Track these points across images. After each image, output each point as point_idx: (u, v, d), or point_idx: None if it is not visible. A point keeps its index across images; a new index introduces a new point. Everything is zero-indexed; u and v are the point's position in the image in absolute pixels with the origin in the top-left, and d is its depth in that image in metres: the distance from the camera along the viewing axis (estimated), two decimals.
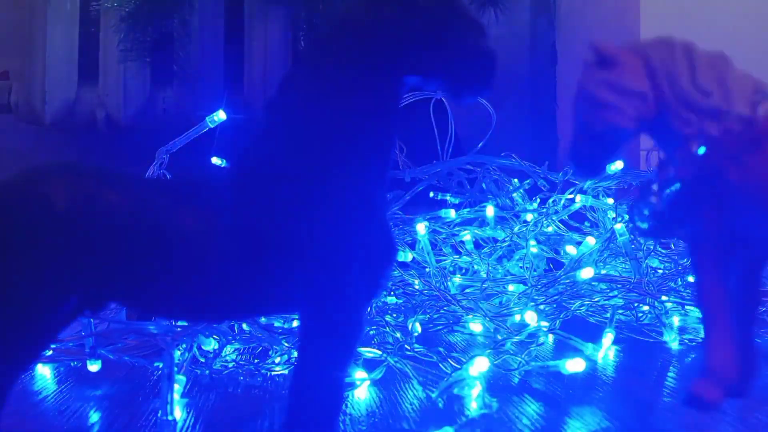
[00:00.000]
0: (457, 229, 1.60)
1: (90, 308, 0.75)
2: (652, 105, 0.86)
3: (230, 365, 1.17)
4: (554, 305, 1.43)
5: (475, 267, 1.58)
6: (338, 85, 0.70)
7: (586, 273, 1.42)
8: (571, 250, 1.56)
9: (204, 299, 0.73)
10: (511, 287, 1.51)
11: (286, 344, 1.19)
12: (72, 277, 0.70)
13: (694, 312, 1.38)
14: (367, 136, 0.71)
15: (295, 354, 1.13)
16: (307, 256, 0.70)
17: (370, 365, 1.13)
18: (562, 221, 1.61)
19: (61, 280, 0.69)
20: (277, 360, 1.17)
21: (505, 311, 1.40)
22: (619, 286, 1.46)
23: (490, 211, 1.59)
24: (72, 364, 1.21)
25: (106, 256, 0.69)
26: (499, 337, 1.30)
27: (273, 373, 1.15)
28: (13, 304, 0.68)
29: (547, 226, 1.59)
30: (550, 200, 1.60)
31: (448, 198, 1.64)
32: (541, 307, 1.42)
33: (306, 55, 0.75)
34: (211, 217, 0.70)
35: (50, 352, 1.15)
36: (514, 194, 1.64)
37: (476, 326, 1.37)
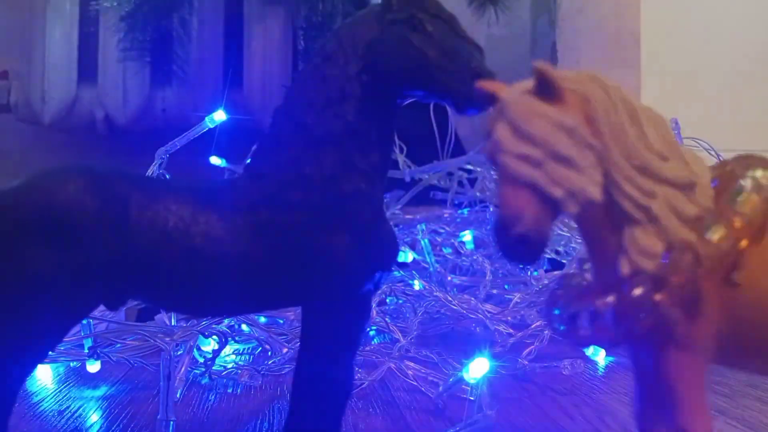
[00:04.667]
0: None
1: (108, 305, 0.77)
2: (601, 166, 0.57)
3: (230, 366, 1.17)
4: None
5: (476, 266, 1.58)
6: (345, 95, 0.75)
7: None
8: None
9: (222, 296, 0.76)
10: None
11: (285, 346, 1.20)
12: (98, 277, 0.71)
13: None
14: (372, 141, 0.76)
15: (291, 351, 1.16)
16: (322, 254, 0.74)
17: (370, 365, 1.13)
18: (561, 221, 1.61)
19: (87, 280, 0.71)
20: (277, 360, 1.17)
21: (506, 311, 1.40)
22: None
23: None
24: (72, 364, 1.21)
25: (133, 257, 0.72)
26: (499, 338, 1.30)
27: (273, 373, 1.15)
28: (38, 305, 0.69)
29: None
30: None
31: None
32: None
33: (313, 65, 0.78)
34: (230, 219, 0.74)
35: (50, 353, 1.15)
36: None
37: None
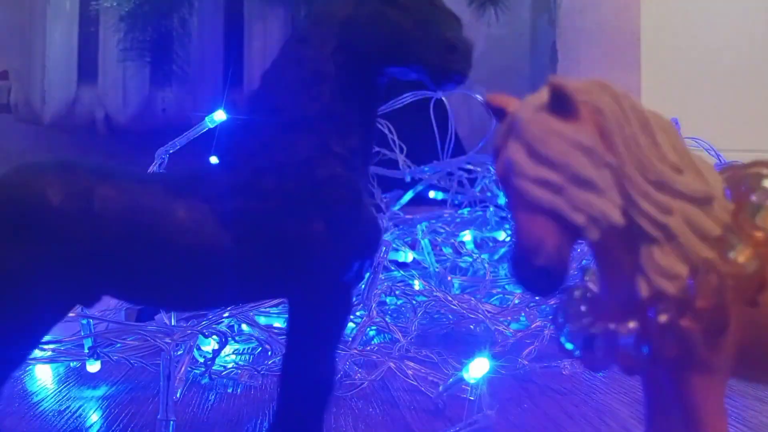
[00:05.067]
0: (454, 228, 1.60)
1: (83, 302, 0.76)
2: (618, 184, 0.54)
3: (230, 366, 1.17)
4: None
5: (476, 266, 1.58)
6: (321, 76, 0.72)
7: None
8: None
9: (198, 290, 0.75)
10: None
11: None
12: (67, 272, 0.70)
13: None
14: (351, 124, 0.74)
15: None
16: (299, 243, 0.72)
17: (370, 365, 1.13)
18: None
19: (57, 275, 0.70)
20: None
21: (506, 311, 1.40)
22: None
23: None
24: (72, 364, 1.21)
25: (101, 251, 0.70)
26: (499, 338, 1.30)
27: (273, 373, 1.15)
28: (7, 301, 0.69)
29: None
30: None
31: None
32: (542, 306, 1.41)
33: (288, 47, 0.76)
34: (204, 209, 0.72)
35: (50, 353, 1.15)
36: None
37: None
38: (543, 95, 0.55)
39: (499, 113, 0.58)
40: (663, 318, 0.55)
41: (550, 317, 0.60)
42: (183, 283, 0.73)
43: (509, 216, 0.58)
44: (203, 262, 0.72)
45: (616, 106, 0.55)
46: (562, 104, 0.53)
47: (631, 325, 0.56)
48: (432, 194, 1.66)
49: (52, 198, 0.69)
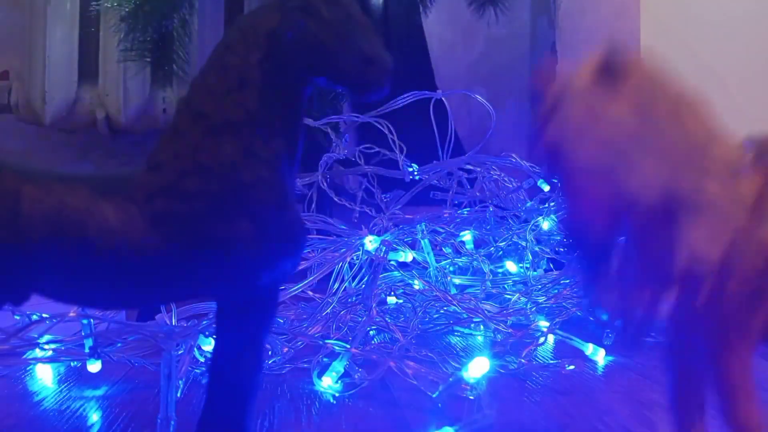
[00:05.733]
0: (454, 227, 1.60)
1: (11, 301, 0.77)
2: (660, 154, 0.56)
3: None
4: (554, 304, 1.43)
5: (475, 266, 1.58)
6: (245, 83, 0.75)
7: None
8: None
9: (126, 289, 0.76)
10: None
11: (286, 346, 1.20)
12: None
13: None
14: (275, 128, 0.76)
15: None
16: (222, 244, 0.74)
17: (370, 365, 1.13)
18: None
19: None
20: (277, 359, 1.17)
21: (505, 311, 1.40)
22: None
23: (511, 266, 1.59)
24: (72, 364, 1.21)
25: (29, 250, 0.72)
26: (499, 338, 1.30)
27: (273, 372, 1.15)
28: None
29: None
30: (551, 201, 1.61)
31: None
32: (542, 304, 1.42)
33: (216, 54, 0.78)
34: (131, 209, 0.74)
35: (51, 352, 1.15)
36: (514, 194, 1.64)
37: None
38: (590, 65, 0.56)
39: (542, 91, 0.59)
40: (704, 288, 0.56)
41: (582, 290, 0.60)
42: (110, 283, 0.75)
43: (559, 189, 0.58)
44: (130, 261, 0.73)
45: (658, 75, 0.58)
46: (612, 75, 0.55)
47: (670, 300, 0.57)
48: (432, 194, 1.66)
49: None
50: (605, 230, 0.54)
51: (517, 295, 1.46)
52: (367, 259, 1.34)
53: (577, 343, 1.26)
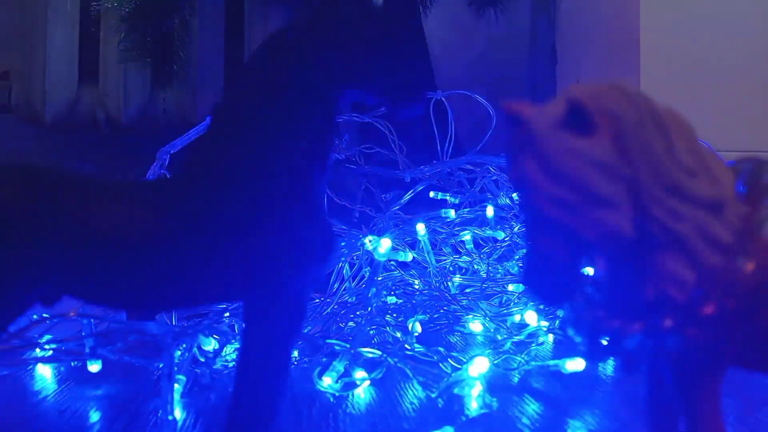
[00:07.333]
0: (457, 229, 1.59)
1: (43, 302, 0.78)
2: (631, 192, 0.55)
3: (231, 365, 1.17)
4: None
5: (475, 266, 1.58)
6: (281, 94, 0.77)
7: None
8: None
9: (155, 292, 0.78)
10: (510, 287, 1.51)
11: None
12: (25, 273, 0.72)
13: None
14: (310, 138, 0.78)
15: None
16: (253, 250, 0.76)
17: (370, 365, 1.13)
18: None
19: (15, 276, 0.72)
20: None
21: (505, 311, 1.40)
22: None
23: (490, 211, 1.59)
24: (72, 364, 1.21)
25: (58, 254, 0.73)
26: (499, 337, 1.30)
27: None
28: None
29: None
30: None
31: (448, 198, 1.64)
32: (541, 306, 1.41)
33: (253, 63, 0.80)
34: (160, 216, 0.75)
35: (51, 352, 1.15)
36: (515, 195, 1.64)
37: (476, 326, 1.37)
38: (559, 107, 0.55)
39: (514, 120, 0.58)
40: (668, 323, 0.56)
41: (559, 309, 0.62)
42: (144, 287, 0.76)
43: (522, 224, 0.59)
44: (165, 265, 0.75)
45: (632, 110, 0.55)
46: (579, 120, 0.53)
47: (637, 326, 0.58)
48: (432, 194, 1.66)
49: (10, 203, 0.72)
50: (565, 268, 0.54)
51: (517, 294, 1.46)
52: (367, 258, 1.34)
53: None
